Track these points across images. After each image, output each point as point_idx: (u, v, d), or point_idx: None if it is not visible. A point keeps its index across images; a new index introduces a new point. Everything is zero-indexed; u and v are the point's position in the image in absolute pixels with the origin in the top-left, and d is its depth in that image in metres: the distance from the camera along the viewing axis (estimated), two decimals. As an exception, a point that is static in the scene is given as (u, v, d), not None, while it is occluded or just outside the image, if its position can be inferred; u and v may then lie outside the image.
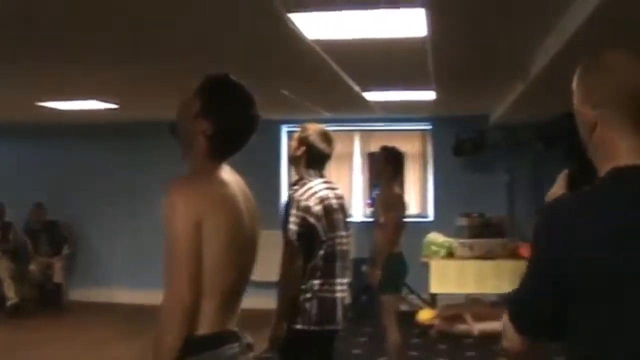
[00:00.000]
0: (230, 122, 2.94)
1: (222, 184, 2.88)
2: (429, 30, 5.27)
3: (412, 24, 5.13)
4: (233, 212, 2.85)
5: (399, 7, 4.77)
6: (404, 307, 10.19)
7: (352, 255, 8.92)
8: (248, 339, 2.97)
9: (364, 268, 7.66)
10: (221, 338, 2.82)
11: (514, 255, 10.31)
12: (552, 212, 2.19)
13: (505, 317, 2.25)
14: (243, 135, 3.00)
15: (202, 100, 2.92)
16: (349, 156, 12.49)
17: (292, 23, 5.03)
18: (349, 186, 12.42)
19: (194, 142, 2.93)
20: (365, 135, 12.55)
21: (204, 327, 2.76)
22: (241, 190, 2.98)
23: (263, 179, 11.60)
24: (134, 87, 8.40)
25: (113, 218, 12.81)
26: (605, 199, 2.09)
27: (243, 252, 2.92)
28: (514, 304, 2.23)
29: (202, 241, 2.71)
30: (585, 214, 2.07)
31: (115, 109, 10.10)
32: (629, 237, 1.98)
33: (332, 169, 11.90)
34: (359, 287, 10.65)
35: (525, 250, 10.39)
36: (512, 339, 2.28)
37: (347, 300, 5.25)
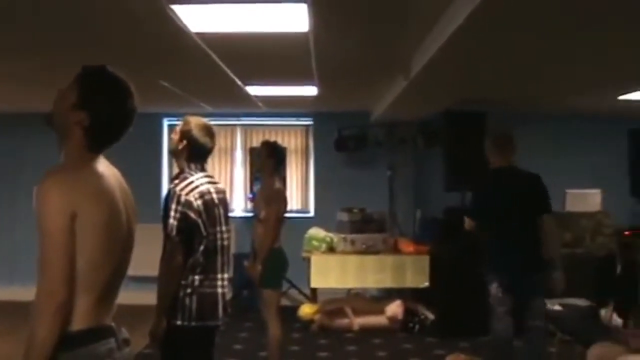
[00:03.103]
0: (106, 114, 2.88)
1: (98, 176, 2.82)
2: (310, 26, 5.29)
3: (294, 19, 5.14)
4: (109, 205, 2.79)
5: (281, 2, 4.78)
6: (285, 302, 10.22)
7: (233, 250, 8.91)
8: (124, 334, 2.93)
9: (245, 263, 7.63)
10: (97, 333, 2.77)
11: (394, 250, 10.46)
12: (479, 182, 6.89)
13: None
14: (120, 127, 2.94)
15: (79, 91, 2.85)
16: (231, 150, 12.43)
17: (175, 15, 4.98)
18: (230, 181, 12.38)
19: (69, 134, 2.86)
20: (248, 129, 12.51)
21: (79, 323, 2.70)
22: (118, 183, 2.94)
23: (144, 172, 11.48)
24: (12, 78, 8.18)
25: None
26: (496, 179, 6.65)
27: (119, 246, 2.86)
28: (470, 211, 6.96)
29: (76, 235, 2.65)
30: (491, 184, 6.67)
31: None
32: (490, 194, 6.80)
33: (213, 163, 11.98)
34: (240, 282, 10.63)
35: (405, 245, 10.55)
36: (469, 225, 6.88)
37: (228, 296, 5.22)
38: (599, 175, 11.30)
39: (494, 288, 6.60)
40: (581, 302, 8.45)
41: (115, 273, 2.86)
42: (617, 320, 8.32)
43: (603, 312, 8.39)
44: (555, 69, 7.06)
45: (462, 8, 4.56)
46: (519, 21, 4.84)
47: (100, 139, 2.90)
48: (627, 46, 5.88)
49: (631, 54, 6.22)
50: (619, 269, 8.72)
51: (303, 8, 4.84)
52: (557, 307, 8.21)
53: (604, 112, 10.77)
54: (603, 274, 8.89)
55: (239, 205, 12.46)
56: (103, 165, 2.91)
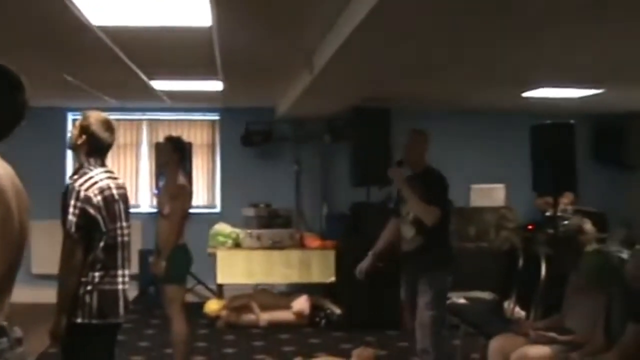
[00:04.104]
0: None
1: None
2: (213, 20, 5.27)
3: (197, 13, 5.11)
4: (1, 205, 2.72)
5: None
6: (191, 298, 10.16)
7: (139, 246, 8.81)
8: (18, 333, 2.87)
9: (150, 259, 7.56)
10: None
11: (300, 245, 10.50)
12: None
13: (432, 208, 6.22)
14: (10, 121, 2.87)
15: None
16: (136, 146, 12.28)
17: (75, 7, 4.91)
18: (135, 176, 12.25)
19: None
20: (153, 124, 12.38)
21: (-31, 322, 2.64)
22: (10, 181, 2.86)
23: (48, 167, 11.33)
24: None
25: None
26: None
27: (11, 245, 2.80)
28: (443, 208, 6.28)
29: None
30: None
31: None
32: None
33: (118, 159, 11.84)
34: (146, 279, 10.54)
35: (311, 240, 10.60)
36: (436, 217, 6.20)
37: (131, 293, 5.17)
38: (503, 170, 11.49)
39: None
40: (485, 295, 8.61)
41: (7, 273, 2.79)
42: (519, 312, 8.49)
43: (506, 305, 8.56)
44: (458, 67, 7.17)
45: (363, 4, 4.59)
46: (419, 19, 4.90)
47: (-11, 134, 2.83)
48: (528, 47, 6.01)
49: (534, 54, 6.37)
50: (521, 262, 8.90)
51: (205, 2, 4.81)
52: (462, 300, 8.35)
53: (507, 108, 10.97)
54: (506, 267, 9.07)
55: (145, 201, 12.35)
56: (-6, 162, 2.84)
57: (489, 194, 10.97)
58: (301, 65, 7.52)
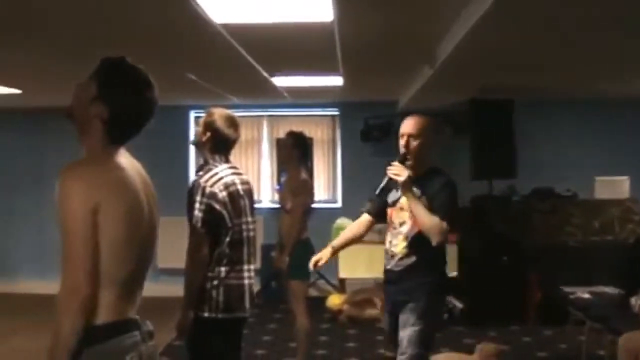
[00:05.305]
0: (126, 106, 2.86)
1: (119, 169, 2.81)
2: (335, 15, 5.25)
3: (319, 8, 5.10)
4: (131, 198, 2.78)
5: (305, -9, 4.76)
6: (313, 293, 10.22)
7: (261, 241, 8.89)
8: (149, 326, 2.92)
9: (272, 254, 7.63)
10: (121, 327, 2.76)
11: (422, 239, 10.39)
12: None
13: (441, 223, 4.95)
14: (140, 119, 2.93)
15: (98, 83, 2.84)
16: (257, 142, 12.43)
17: (198, 5, 4.96)
18: (257, 172, 12.39)
19: (90, 127, 2.85)
20: (274, 120, 12.51)
21: (103, 316, 2.70)
22: (139, 175, 2.92)
23: (171, 164, 11.55)
24: (36, 71, 8.20)
25: (17, 207, 12.54)
26: None
27: (142, 239, 2.85)
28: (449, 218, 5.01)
29: (98, 228, 2.64)
30: None
31: (18, 94, 9.87)
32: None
33: (240, 155, 11.98)
34: (268, 274, 10.63)
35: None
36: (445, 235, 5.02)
37: (256, 287, 5.22)
38: (628, 161, 11.20)
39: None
40: (610, 290, 8.40)
41: (138, 266, 2.85)
42: (646, 308, 8.26)
43: (633, 301, 8.33)
44: (585, 55, 6.98)
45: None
46: (547, 7, 4.79)
47: (120, 131, 2.89)
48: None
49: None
50: (648, 256, 8.66)
51: (327, -3, 4.81)
52: (587, 295, 8.15)
53: (633, 98, 10.67)
54: (632, 261, 8.83)
55: (266, 197, 12.47)
56: (124, 158, 2.89)
57: (614, 186, 10.70)
58: (423, 58, 7.46)
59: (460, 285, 10.05)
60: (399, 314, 5.17)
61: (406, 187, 5.01)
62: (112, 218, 2.67)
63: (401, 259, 5.19)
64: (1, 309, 11.07)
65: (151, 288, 2.96)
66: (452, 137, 11.27)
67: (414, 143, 5.19)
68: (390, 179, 5.09)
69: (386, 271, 5.38)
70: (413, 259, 5.15)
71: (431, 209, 5.00)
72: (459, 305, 9.98)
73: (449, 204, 5.11)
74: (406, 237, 5.16)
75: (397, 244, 5.23)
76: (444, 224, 4.96)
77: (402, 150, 5.24)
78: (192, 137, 11.99)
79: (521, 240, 9.88)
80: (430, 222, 4.96)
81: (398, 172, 5.02)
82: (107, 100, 2.82)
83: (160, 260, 10.76)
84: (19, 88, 9.47)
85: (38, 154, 12.33)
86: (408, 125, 5.25)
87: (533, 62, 7.30)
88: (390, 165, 5.10)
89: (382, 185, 5.23)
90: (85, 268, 2.61)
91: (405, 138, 5.22)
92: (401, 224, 5.23)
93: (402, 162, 5.13)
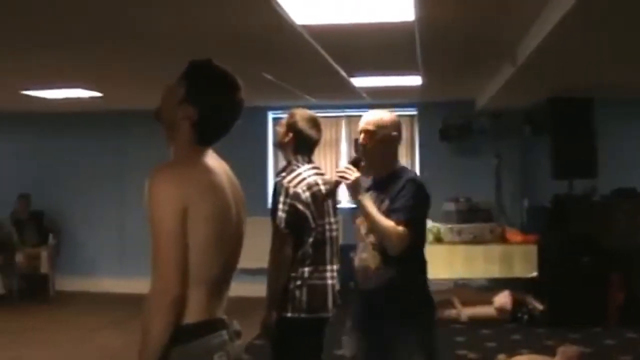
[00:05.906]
0: (214, 108, 2.89)
1: (207, 170, 2.83)
2: (416, 15, 5.24)
3: (400, 8, 5.10)
4: (219, 199, 2.80)
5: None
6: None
7: (340, 241, 8.88)
8: (236, 326, 2.94)
9: (351, 255, 7.60)
10: (209, 326, 2.78)
11: (501, 239, 10.32)
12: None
13: (396, 228, 4.15)
14: (228, 120, 2.95)
15: (187, 85, 2.87)
16: (336, 142, 12.46)
17: (279, 7, 4.99)
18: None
19: (178, 128, 2.88)
20: (352, 120, 12.50)
21: (192, 316, 2.72)
22: (227, 177, 2.94)
23: (250, 165, 11.60)
24: (117, 74, 8.34)
25: (99, 207, 12.76)
26: None
27: (230, 239, 2.87)
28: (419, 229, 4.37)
29: (188, 229, 2.67)
30: None
31: (99, 97, 10.04)
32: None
33: (319, 155, 11.91)
34: (346, 274, 10.62)
35: (512, 234, 10.43)
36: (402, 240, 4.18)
37: (337, 287, 5.23)
38: None
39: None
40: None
41: (226, 266, 2.87)
42: None
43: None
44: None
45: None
46: (630, 3, 4.72)
47: (209, 132, 2.91)
48: None
49: None
50: None
51: (408, -3, 4.81)
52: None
53: None
54: None
55: (344, 197, 12.45)
56: (212, 159, 2.92)
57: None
58: (503, 58, 7.40)
59: (540, 286, 9.95)
60: (384, 349, 4.46)
61: (354, 190, 4.37)
62: (201, 219, 2.69)
63: (376, 271, 4.50)
64: (84, 307, 11.29)
65: (232, 287, 2.98)
66: (531, 137, 11.16)
67: (372, 141, 4.41)
68: (338, 182, 4.46)
69: (360, 292, 4.85)
70: (391, 272, 4.39)
71: (393, 214, 4.25)
72: (539, 306, 9.87)
73: (411, 206, 4.25)
74: (376, 246, 4.44)
75: (368, 257, 4.58)
76: (400, 229, 4.16)
77: (355, 150, 4.74)
78: (270, 138, 12.08)
79: (602, 240, 9.72)
80: (382, 227, 4.23)
81: (345, 174, 4.34)
82: (196, 102, 2.85)
83: (242, 260, 10.87)
84: (100, 91, 9.63)
85: (119, 156, 12.52)
86: (365, 121, 4.46)
87: (615, 60, 7.19)
88: (344, 168, 4.42)
89: (327, 189, 4.78)
90: (176, 269, 2.64)
91: (362, 135, 4.46)
92: (367, 234, 4.57)
93: (356, 163, 4.41)
